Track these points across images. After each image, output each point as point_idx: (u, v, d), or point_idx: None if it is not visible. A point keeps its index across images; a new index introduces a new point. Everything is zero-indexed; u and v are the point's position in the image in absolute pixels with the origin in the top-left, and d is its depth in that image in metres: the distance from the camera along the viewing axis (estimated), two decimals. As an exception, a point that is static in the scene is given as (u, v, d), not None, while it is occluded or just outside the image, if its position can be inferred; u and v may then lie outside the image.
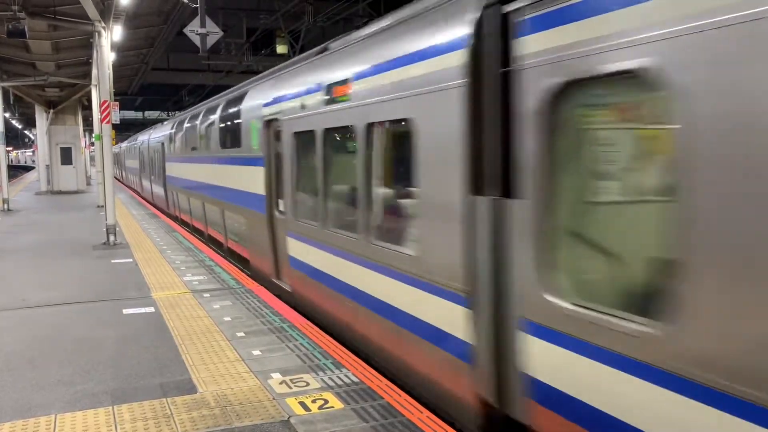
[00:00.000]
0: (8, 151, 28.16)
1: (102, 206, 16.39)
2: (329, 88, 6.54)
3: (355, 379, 5.11)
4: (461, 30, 4.29)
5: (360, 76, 5.86)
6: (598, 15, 3.19)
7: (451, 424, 4.56)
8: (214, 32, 12.64)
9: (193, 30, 12.44)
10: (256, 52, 29.12)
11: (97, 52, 14.08)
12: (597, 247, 3.58)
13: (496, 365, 4.10)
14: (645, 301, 3.08)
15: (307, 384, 5.03)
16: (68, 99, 28.01)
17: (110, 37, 13.55)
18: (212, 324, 6.84)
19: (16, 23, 12.60)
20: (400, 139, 5.30)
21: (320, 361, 5.57)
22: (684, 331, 2.79)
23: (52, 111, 28.57)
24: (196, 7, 12.70)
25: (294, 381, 5.10)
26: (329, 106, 6.53)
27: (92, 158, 43.34)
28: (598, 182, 3.55)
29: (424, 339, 4.90)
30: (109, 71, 13.24)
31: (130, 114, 56.96)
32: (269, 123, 8.67)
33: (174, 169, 17.12)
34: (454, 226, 4.38)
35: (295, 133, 7.61)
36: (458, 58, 4.28)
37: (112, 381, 5.21)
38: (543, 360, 3.68)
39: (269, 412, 4.52)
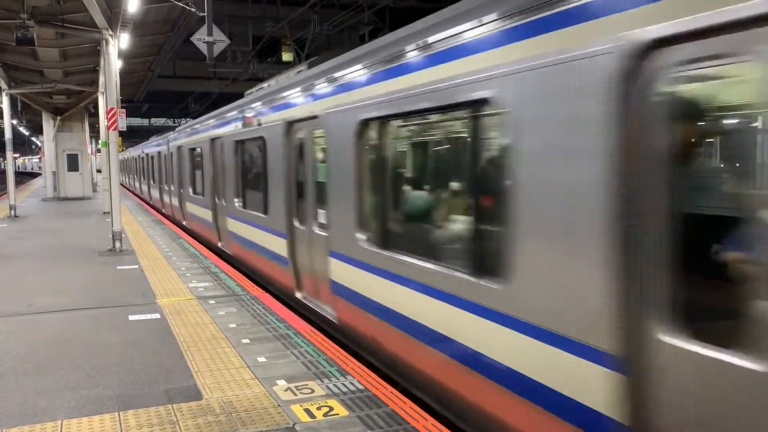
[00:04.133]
0: (15, 158, 28.23)
1: (108, 213, 16.45)
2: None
3: (360, 387, 5.11)
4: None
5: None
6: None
7: (450, 426, 4.55)
8: (221, 40, 12.72)
9: (201, 38, 12.51)
10: (262, 59, 29.26)
11: (104, 59, 14.17)
12: None
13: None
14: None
15: (312, 391, 5.03)
16: (75, 106, 28.15)
17: (117, 44, 13.63)
18: (217, 330, 6.86)
19: (24, 31, 12.66)
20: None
21: (325, 368, 5.58)
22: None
23: (59, 118, 28.72)
24: (203, 15, 12.78)
25: (299, 388, 5.11)
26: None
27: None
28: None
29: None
30: (116, 78, 13.31)
31: (137, 121, 57.24)
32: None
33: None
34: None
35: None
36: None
37: (118, 387, 5.22)
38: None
39: (274, 418, 4.53)
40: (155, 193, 24.57)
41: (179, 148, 17.39)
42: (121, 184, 38.36)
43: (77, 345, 6.43)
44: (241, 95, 13.72)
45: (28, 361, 5.94)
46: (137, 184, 34.56)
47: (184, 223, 17.55)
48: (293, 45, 26.38)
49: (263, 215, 9.24)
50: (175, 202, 18.52)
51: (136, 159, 34.61)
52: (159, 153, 22.52)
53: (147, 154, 27.23)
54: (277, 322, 7.13)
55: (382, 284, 5.57)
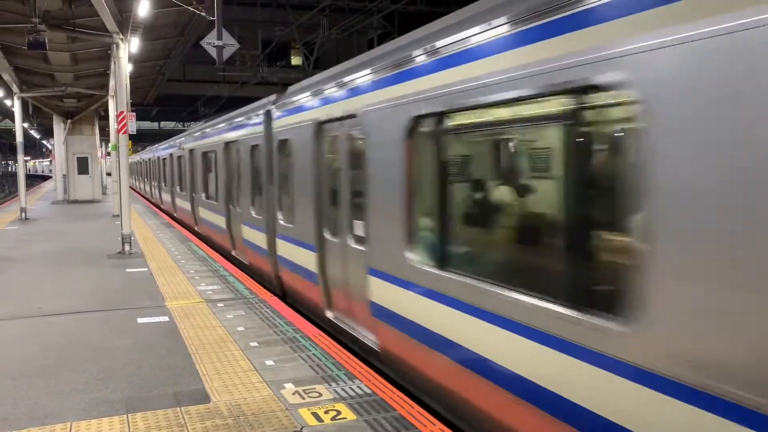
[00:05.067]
0: (26, 161, 28.46)
1: (117, 215, 16.54)
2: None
3: (368, 391, 5.10)
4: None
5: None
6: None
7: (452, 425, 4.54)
8: (230, 44, 12.77)
9: (210, 42, 12.57)
10: (271, 63, 29.37)
11: (114, 63, 14.25)
12: None
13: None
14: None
15: (320, 395, 5.03)
16: (85, 109, 28.34)
17: (128, 48, 13.72)
18: (226, 333, 6.87)
19: (36, 35, 12.75)
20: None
21: (333, 371, 5.58)
22: None
23: (69, 121, 28.93)
24: (213, 20, 12.84)
25: (307, 391, 5.10)
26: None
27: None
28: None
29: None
30: (126, 82, 13.39)
31: (146, 124, 57.57)
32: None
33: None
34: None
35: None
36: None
37: (127, 389, 5.24)
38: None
39: (282, 422, 4.52)
40: (209, 218, 14.72)
41: (321, 125, 7.58)
42: (144, 197, 36.78)
43: (86, 348, 6.46)
44: (250, 99, 13.74)
45: (37, 363, 5.97)
46: (169, 198, 23.24)
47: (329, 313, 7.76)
48: (302, 49, 26.50)
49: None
50: (285, 249, 9.00)
51: (167, 160, 23.54)
52: (228, 147, 12.64)
53: (191, 151, 17.48)
54: (284, 326, 7.14)
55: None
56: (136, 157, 41.91)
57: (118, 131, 13.28)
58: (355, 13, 22.66)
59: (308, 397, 4.99)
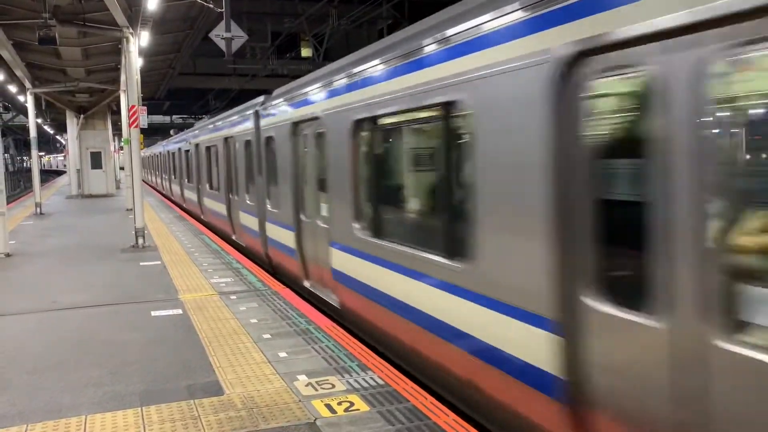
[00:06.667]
0: (40, 156, 28.67)
1: (131, 209, 16.62)
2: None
3: (381, 382, 5.09)
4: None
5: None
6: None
7: (475, 424, 4.51)
8: (238, 36, 12.75)
9: (219, 34, 12.55)
10: (281, 55, 29.34)
11: (125, 57, 14.28)
12: None
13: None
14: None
15: (333, 386, 5.02)
16: (98, 104, 28.48)
17: (138, 42, 13.74)
18: (239, 326, 6.88)
19: (47, 30, 12.81)
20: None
21: (346, 363, 5.56)
22: None
23: (82, 116, 29.08)
24: (222, 12, 12.82)
25: (320, 383, 5.10)
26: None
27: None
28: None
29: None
30: (137, 76, 13.43)
31: (158, 118, 57.78)
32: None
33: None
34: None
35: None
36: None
37: (141, 383, 5.26)
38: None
39: (295, 414, 4.52)
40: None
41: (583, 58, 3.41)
42: (163, 195, 34.27)
43: (100, 341, 6.49)
44: (261, 92, 13.73)
45: (52, 357, 6.01)
46: (194, 197, 19.16)
47: None
48: (312, 40, 26.44)
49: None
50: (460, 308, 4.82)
51: (192, 152, 19.31)
52: (297, 128, 8.73)
53: (226, 140, 13.53)
54: (297, 318, 7.14)
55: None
56: (158, 149, 37.20)
57: (130, 125, 13.33)
58: (364, 3, 22.54)
59: (321, 388, 4.98)
